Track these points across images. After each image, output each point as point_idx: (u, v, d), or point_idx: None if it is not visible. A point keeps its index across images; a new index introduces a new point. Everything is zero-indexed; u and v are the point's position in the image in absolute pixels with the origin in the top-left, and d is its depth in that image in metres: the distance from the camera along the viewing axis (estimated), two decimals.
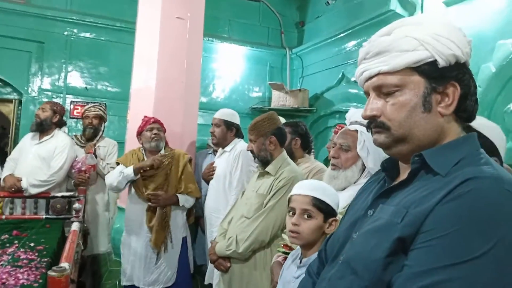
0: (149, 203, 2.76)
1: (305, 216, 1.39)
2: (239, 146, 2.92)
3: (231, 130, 2.98)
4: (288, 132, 2.67)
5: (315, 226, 1.38)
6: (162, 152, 2.91)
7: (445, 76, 0.81)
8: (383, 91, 0.84)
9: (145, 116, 2.96)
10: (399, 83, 0.82)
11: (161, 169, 2.83)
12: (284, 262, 1.66)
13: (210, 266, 2.55)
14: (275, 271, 1.65)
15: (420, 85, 0.81)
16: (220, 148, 3.05)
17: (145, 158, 2.89)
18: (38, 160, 3.21)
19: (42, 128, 3.27)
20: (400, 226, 0.74)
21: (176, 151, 2.95)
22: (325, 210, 1.38)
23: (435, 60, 0.80)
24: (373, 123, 0.86)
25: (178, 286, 2.84)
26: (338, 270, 0.86)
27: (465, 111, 0.83)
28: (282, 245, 1.75)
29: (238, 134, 3.04)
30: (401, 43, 0.81)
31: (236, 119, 3.06)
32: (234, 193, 2.76)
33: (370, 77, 0.86)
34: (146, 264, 2.76)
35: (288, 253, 1.65)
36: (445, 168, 0.77)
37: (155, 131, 2.85)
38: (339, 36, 4.69)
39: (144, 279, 2.76)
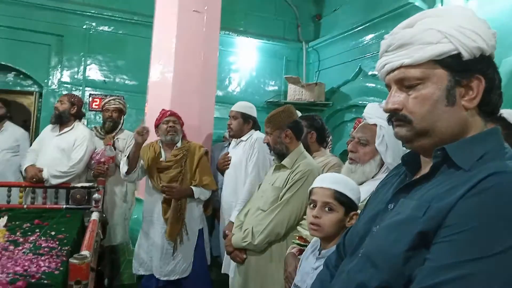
0: (164, 195, 2.79)
1: (326, 209, 1.38)
2: (256, 134, 2.94)
3: (248, 123, 3.00)
4: (304, 126, 2.67)
5: (336, 219, 1.37)
6: (179, 145, 2.93)
7: (469, 69, 0.79)
8: (405, 84, 0.83)
9: (163, 109, 2.99)
10: (421, 76, 0.80)
11: (175, 161, 2.85)
12: (298, 254, 1.67)
13: (226, 256, 2.59)
14: (289, 262, 1.66)
15: (444, 78, 0.79)
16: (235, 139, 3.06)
17: (162, 151, 2.92)
18: (58, 152, 3.28)
19: (61, 120, 3.34)
20: (422, 220, 0.73)
21: (192, 144, 2.97)
22: (347, 203, 1.38)
23: (459, 53, 0.78)
24: (395, 117, 0.85)
25: (194, 277, 2.87)
26: (357, 263, 0.86)
27: (489, 105, 0.81)
28: (297, 237, 1.76)
29: (255, 127, 3.05)
30: (424, 36, 0.80)
31: (253, 112, 3.07)
32: (249, 178, 2.76)
33: (392, 70, 0.85)
34: (163, 255, 2.80)
35: (303, 245, 1.66)
36: (468, 162, 0.75)
37: (170, 124, 2.87)
38: (356, 30, 4.63)
39: (160, 270, 2.80)
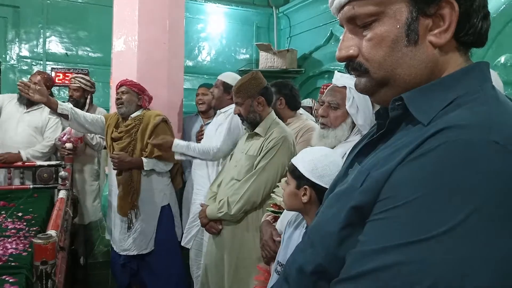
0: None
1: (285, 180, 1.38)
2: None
3: (227, 93, 2.76)
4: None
5: (289, 191, 1.34)
6: (134, 115, 2.78)
7: None
8: (358, 24, 0.66)
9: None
10: (375, 11, 0.63)
11: (125, 131, 2.72)
12: (273, 221, 1.65)
13: (186, 229, 2.60)
14: (264, 230, 1.64)
15: (402, 10, 0.62)
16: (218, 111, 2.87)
17: (121, 121, 2.81)
18: (32, 130, 3.19)
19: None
20: (358, 192, 0.61)
21: (148, 113, 2.77)
22: (298, 177, 1.30)
23: None
24: (350, 66, 0.69)
25: (159, 254, 2.76)
26: (303, 241, 0.75)
27: (469, 34, 0.63)
28: (271, 205, 1.74)
29: None
30: None
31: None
32: (214, 147, 2.51)
33: (341, 6, 0.67)
34: (122, 230, 2.72)
35: (277, 212, 1.64)
36: (429, 113, 0.59)
37: (118, 96, 2.72)
38: None
39: (119, 244, 2.73)
